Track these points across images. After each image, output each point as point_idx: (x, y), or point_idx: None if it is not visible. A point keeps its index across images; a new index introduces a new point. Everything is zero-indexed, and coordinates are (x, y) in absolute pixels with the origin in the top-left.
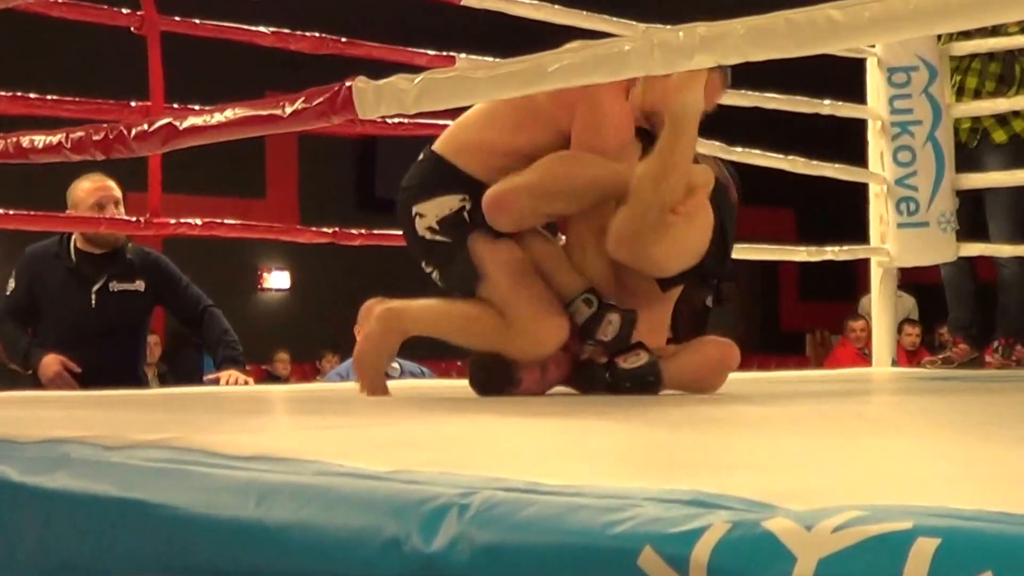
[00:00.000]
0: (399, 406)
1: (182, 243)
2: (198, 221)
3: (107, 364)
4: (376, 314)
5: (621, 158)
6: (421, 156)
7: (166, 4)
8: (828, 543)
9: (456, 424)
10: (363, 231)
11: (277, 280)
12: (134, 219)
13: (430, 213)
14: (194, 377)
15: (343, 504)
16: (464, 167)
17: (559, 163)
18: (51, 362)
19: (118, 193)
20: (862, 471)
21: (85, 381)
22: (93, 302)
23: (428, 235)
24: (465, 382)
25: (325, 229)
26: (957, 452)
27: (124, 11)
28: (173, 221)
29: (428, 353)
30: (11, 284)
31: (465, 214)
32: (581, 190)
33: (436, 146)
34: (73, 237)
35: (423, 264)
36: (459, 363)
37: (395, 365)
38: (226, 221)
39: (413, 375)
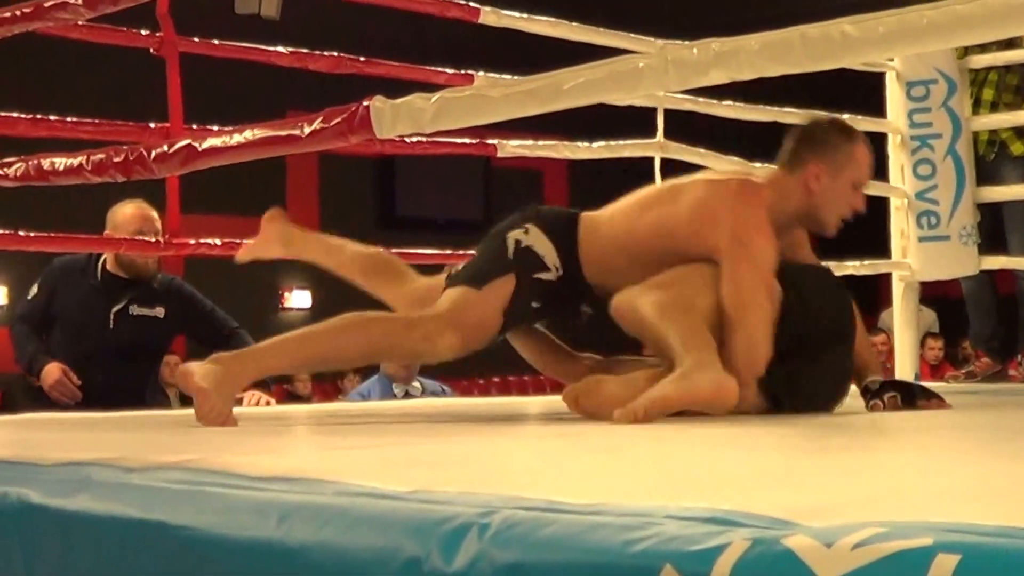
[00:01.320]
0: (418, 425)
1: (203, 263)
2: (218, 241)
3: (114, 385)
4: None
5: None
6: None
7: (185, 25)
8: (848, 560)
9: (475, 443)
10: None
11: (299, 299)
12: (153, 239)
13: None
14: None
15: (363, 524)
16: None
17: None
18: (52, 369)
19: (159, 224)
20: (882, 487)
21: (90, 399)
22: (111, 323)
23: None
24: (484, 400)
25: None
26: (978, 468)
27: (143, 33)
28: (193, 241)
29: (449, 371)
30: (34, 290)
31: (522, 244)
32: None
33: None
34: (104, 256)
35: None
36: (480, 381)
37: (416, 384)
38: (246, 241)
39: (435, 394)
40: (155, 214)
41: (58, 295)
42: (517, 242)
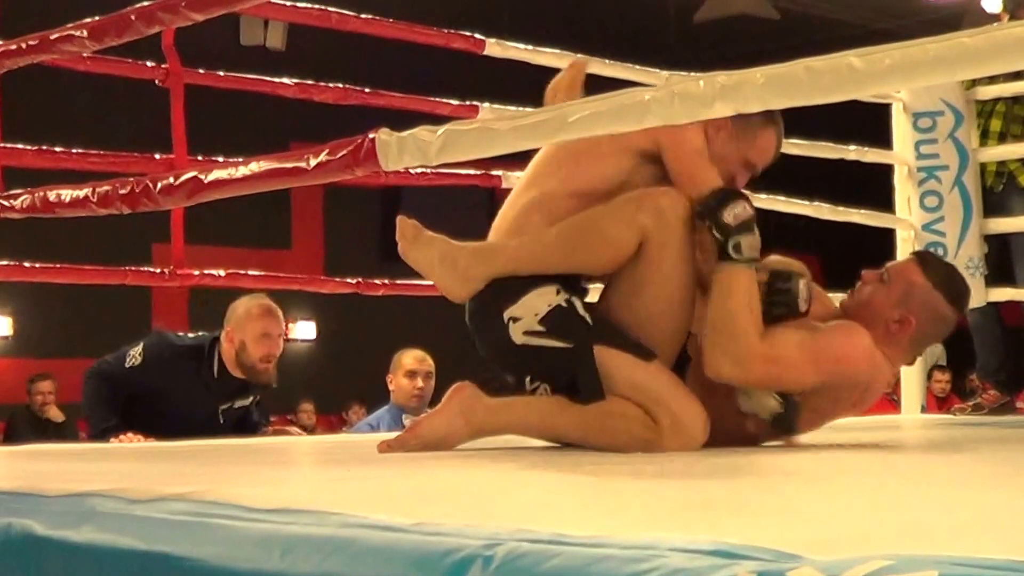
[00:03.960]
0: (422, 456)
1: (207, 294)
2: (222, 272)
3: None
4: (463, 403)
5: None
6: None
7: (190, 57)
8: None
9: (479, 474)
10: (387, 281)
11: (303, 331)
12: (158, 271)
13: (527, 314)
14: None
15: (367, 556)
16: None
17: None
18: (130, 439)
19: (282, 324)
20: (888, 520)
21: None
22: (221, 419)
23: (531, 340)
24: None
25: (349, 279)
26: (984, 501)
27: (149, 64)
28: (197, 272)
29: None
30: (136, 359)
31: (580, 311)
32: None
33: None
34: (221, 354)
35: (522, 379)
36: None
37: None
38: (250, 272)
39: None
40: (280, 313)
41: (167, 381)
42: (533, 332)
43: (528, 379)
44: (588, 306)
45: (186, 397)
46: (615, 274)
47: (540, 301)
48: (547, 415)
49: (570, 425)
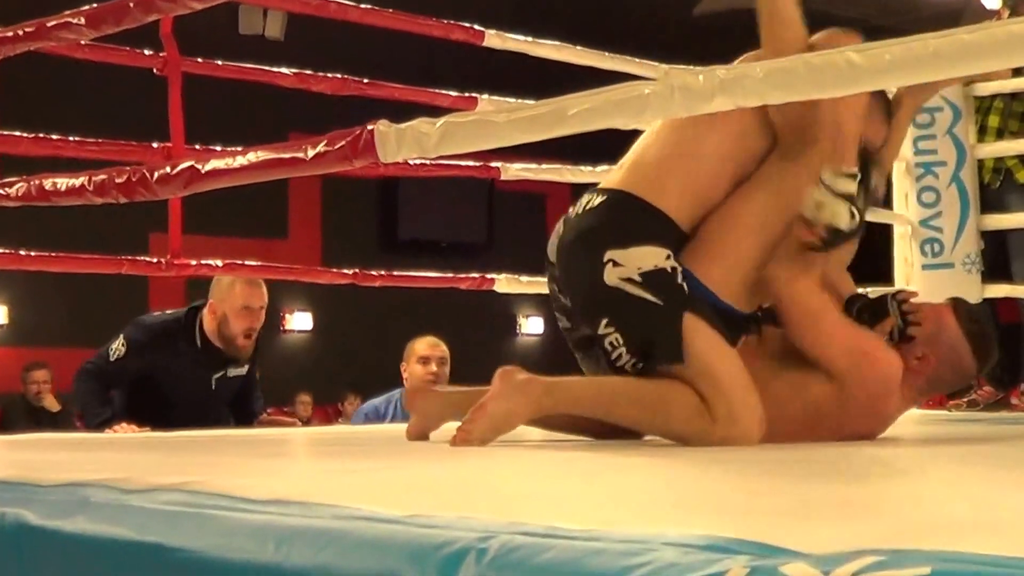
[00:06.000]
0: (418, 449)
1: (205, 284)
2: (219, 262)
3: None
4: (518, 381)
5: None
6: (601, 197)
7: (188, 45)
8: None
9: (474, 467)
10: (384, 272)
11: (299, 321)
12: (155, 260)
13: (630, 263)
14: None
15: (361, 548)
16: (668, 211)
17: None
18: (125, 428)
19: (266, 300)
20: (881, 515)
21: None
22: (213, 386)
23: (624, 286)
24: None
25: (346, 270)
26: (978, 496)
27: (146, 52)
28: (194, 262)
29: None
30: (120, 350)
31: (680, 280)
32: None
33: (625, 185)
34: (202, 325)
35: (596, 320)
36: None
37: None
38: (247, 262)
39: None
40: (263, 287)
41: (155, 360)
42: (630, 280)
43: (604, 322)
44: (687, 278)
45: (176, 371)
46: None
47: (648, 258)
48: (605, 393)
49: (627, 404)
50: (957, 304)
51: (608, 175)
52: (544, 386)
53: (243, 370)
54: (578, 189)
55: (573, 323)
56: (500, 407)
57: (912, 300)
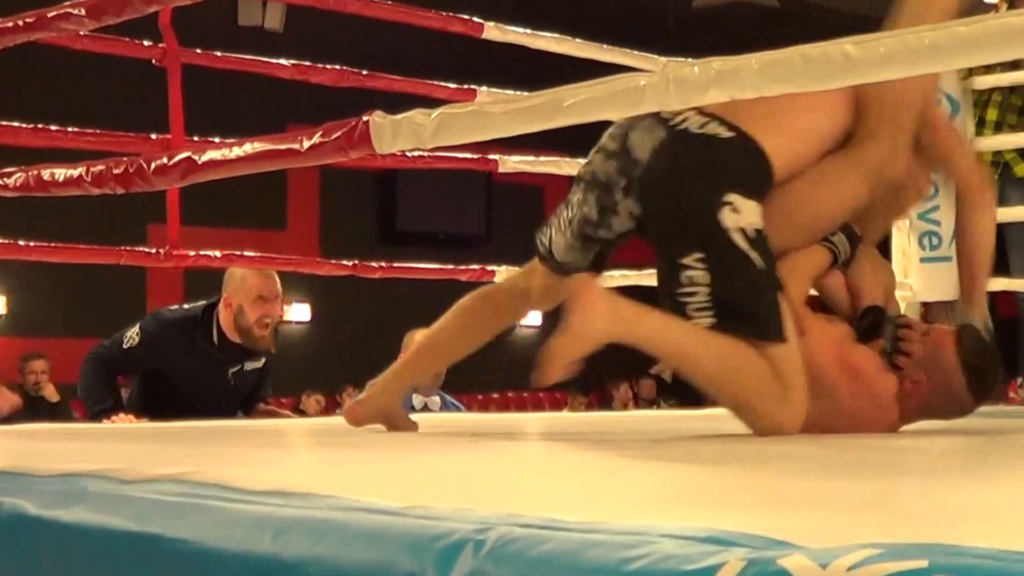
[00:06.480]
0: (416, 440)
1: (203, 275)
2: (217, 253)
3: None
4: (608, 301)
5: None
6: (728, 132)
7: (187, 37)
8: None
9: (472, 459)
10: (383, 264)
11: (297, 313)
12: (154, 251)
13: (748, 215)
14: None
15: (358, 539)
16: (775, 174)
17: None
18: (123, 419)
19: (279, 287)
20: (879, 509)
21: None
22: (232, 381)
23: (735, 235)
24: (482, 416)
25: (345, 262)
26: (975, 489)
27: (146, 44)
28: (193, 253)
29: (446, 386)
30: (134, 339)
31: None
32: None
33: (751, 129)
34: (219, 320)
35: (681, 252)
36: (479, 397)
37: (435, 398)
38: (245, 253)
39: (459, 409)
40: (276, 278)
41: (169, 355)
42: (743, 232)
43: (697, 256)
44: None
45: (191, 366)
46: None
47: (760, 216)
48: (688, 337)
49: (708, 357)
50: (962, 334)
51: (735, 104)
52: (631, 310)
53: (259, 363)
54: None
55: (605, 220)
56: (589, 324)
57: (919, 325)
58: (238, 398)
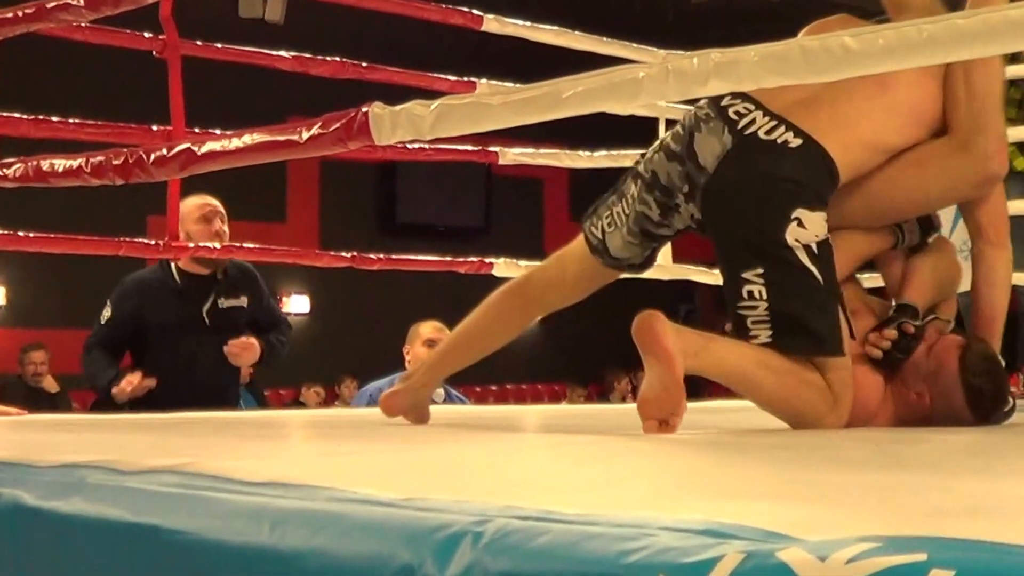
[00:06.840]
0: (415, 432)
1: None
2: (216, 244)
3: (215, 380)
4: (680, 336)
5: None
6: (799, 140)
7: (188, 28)
8: (842, 574)
9: (470, 451)
10: (382, 255)
11: (297, 304)
12: (153, 242)
13: (814, 228)
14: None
15: (356, 531)
16: (841, 178)
17: None
18: (128, 376)
19: (222, 209)
20: (877, 502)
21: (195, 398)
22: (207, 321)
23: (797, 250)
24: (480, 408)
25: (344, 254)
26: (975, 483)
27: (146, 35)
28: (192, 244)
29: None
30: (107, 313)
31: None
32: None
33: (823, 138)
34: (174, 261)
35: (743, 266)
36: (477, 389)
37: (439, 391)
38: (245, 245)
39: (462, 402)
40: (215, 200)
41: (142, 313)
42: (808, 249)
43: (758, 272)
44: None
45: (165, 314)
46: None
47: (823, 226)
48: (747, 363)
49: (767, 380)
50: (968, 351)
51: (802, 106)
52: (694, 343)
53: (240, 300)
54: (576, 174)
55: (667, 219)
56: (673, 375)
57: (932, 337)
58: (219, 338)
